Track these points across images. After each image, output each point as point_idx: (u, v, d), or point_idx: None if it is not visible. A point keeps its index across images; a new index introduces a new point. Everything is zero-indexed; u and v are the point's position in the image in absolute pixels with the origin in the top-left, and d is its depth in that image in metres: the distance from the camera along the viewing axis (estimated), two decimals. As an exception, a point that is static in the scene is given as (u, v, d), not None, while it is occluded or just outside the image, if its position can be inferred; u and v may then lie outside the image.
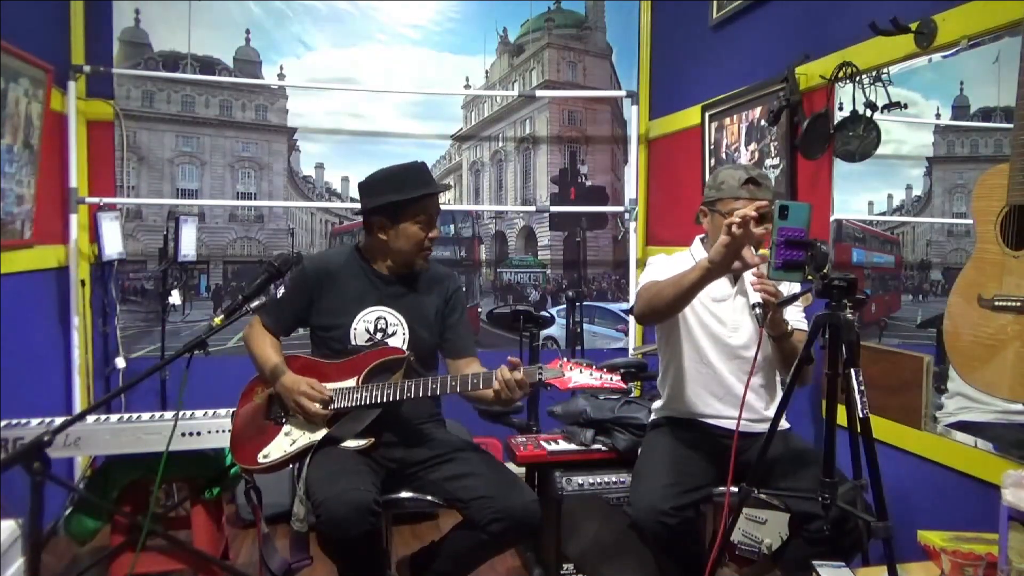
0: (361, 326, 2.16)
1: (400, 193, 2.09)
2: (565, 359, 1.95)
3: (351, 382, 2.09)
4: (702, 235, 2.33)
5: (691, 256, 2.31)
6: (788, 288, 2.04)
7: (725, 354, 2.23)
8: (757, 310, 1.97)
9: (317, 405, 2.04)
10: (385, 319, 2.17)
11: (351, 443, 2.06)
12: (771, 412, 2.24)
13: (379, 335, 2.17)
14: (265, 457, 2.08)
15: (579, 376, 1.92)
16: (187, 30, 3.57)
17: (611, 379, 1.92)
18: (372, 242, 2.19)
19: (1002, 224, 1.66)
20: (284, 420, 2.13)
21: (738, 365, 2.22)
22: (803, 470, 2.01)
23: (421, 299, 2.22)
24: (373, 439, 2.07)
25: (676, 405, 2.30)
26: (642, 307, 2.08)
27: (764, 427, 2.17)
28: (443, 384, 2.02)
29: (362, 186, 2.18)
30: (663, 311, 2.02)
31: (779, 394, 2.30)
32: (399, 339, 2.18)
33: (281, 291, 2.00)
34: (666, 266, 2.27)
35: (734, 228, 1.71)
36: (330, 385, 2.10)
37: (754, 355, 1.91)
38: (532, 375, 1.93)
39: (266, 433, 2.12)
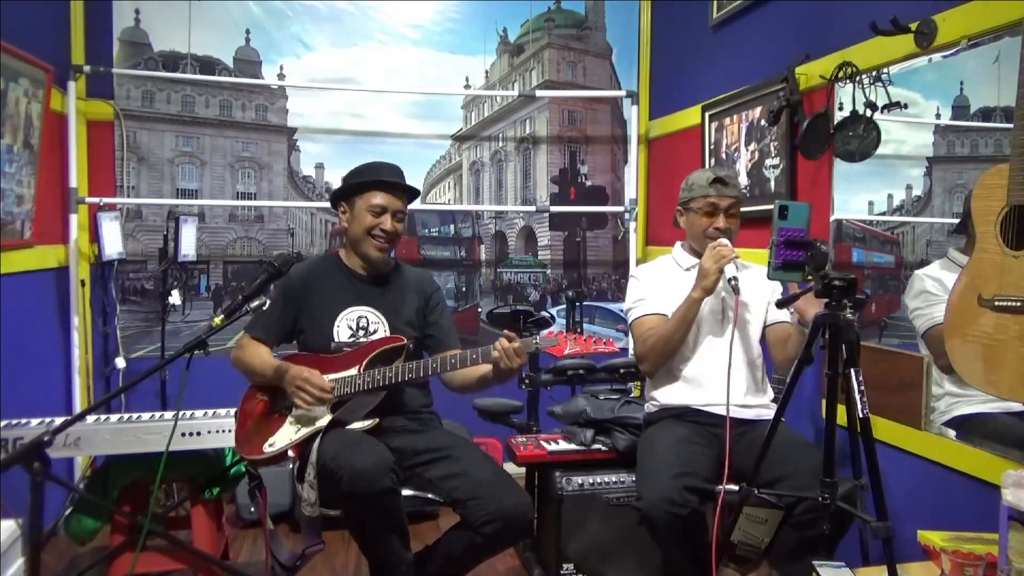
0: (344, 323, 2.22)
1: (357, 178, 2.23)
2: (560, 330, 2.02)
3: (352, 371, 2.13)
4: (682, 241, 2.49)
5: (674, 261, 2.46)
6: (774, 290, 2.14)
7: (711, 339, 2.31)
8: (733, 282, 2.09)
9: (319, 391, 2.06)
10: (366, 317, 2.23)
11: (357, 424, 2.09)
12: (757, 398, 2.30)
13: (361, 332, 2.22)
14: (271, 446, 2.09)
15: (573, 343, 1.98)
16: (187, 30, 3.57)
17: (604, 343, 2.00)
18: (344, 234, 2.30)
19: (1002, 224, 1.66)
20: (289, 411, 2.15)
21: (727, 351, 2.26)
22: (794, 458, 2.03)
23: (400, 298, 2.29)
24: (377, 419, 2.10)
25: (670, 397, 2.34)
26: (654, 363, 2.31)
27: (753, 413, 2.25)
28: (443, 363, 2.06)
29: (346, 175, 2.31)
30: (674, 351, 2.28)
31: (765, 379, 2.37)
32: (380, 336, 2.22)
33: (267, 305, 2.03)
34: (652, 284, 2.40)
35: (721, 262, 2.11)
36: (332, 375, 2.12)
37: (731, 331, 2.11)
38: (529, 345, 1.98)
39: (271, 425, 2.15)
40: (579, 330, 3.53)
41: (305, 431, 2.09)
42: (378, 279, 2.29)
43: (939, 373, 2.06)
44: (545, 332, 2.05)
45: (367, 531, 2.01)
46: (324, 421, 2.09)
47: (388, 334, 2.22)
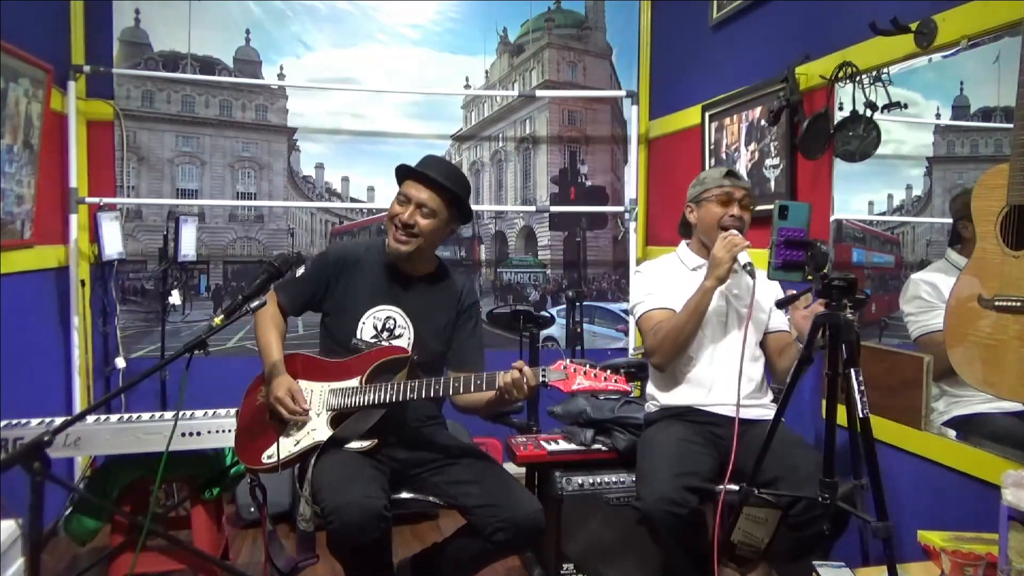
0: (370, 321, 2.17)
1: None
2: (568, 360, 1.94)
3: (354, 382, 2.09)
4: (687, 241, 2.48)
5: (679, 260, 2.45)
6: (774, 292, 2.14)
7: (715, 339, 2.31)
8: (748, 267, 2.09)
9: (290, 414, 2.04)
10: (394, 319, 2.17)
11: (355, 444, 2.05)
12: (757, 399, 2.30)
13: (385, 334, 2.17)
14: (269, 458, 2.07)
15: (583, 378, 1.91)
16: (187, 30, 3.57)
17: (615, 380, 1.91)
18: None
19: (1002, 224, 1.66)
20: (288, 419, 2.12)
21: (729, 350, 2.28)
22: (793, 459, 2.03)
23: (434, 306, 2.21)
24: (376, 440, 2.07)
25: (671, 397, 2.34)
26: (667, 355, 2.26)
27: (754, 413, 2.25)
28: (446, 385, 2.01)
29: None
30: (687, 343, 2.26)
31: (766, 379, 2.37)
32: (404, 341, 2.17)
33: (301, 271, 2.01)
34: (658, 280, 2.39)
35: (735, 249, 2.10)
36: (333, 384, 2.10)
37: (747, 320, 2.08)
38: (536, 377, 1.93)
39: (270, 433, 2.11)
40: (579, 330, 3.53)
41: (304, 445, 2.06)
42: (416, 279, 2.21)
43: (956, 371, 2.01)
44: (553, 362, 1.96)
45: (353, 562, 2.01)
46: (323, 436, 2.05)
47: (412, 341, 2.16)
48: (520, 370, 1.91)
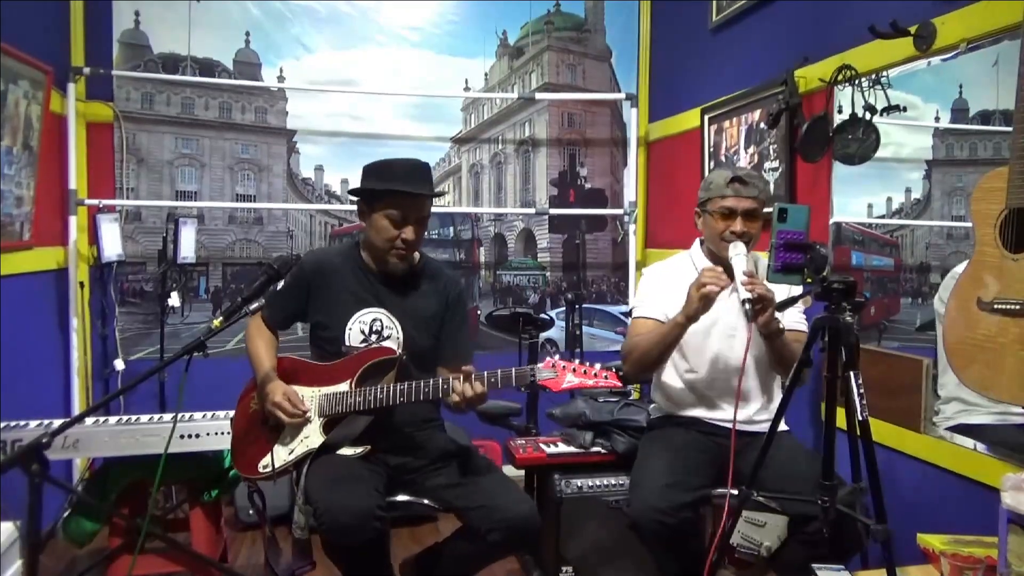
0: (356, 327, 2.14)
1: (377, 182, 2.07)
2: (558, 357, 1.92)
3: (344, 386, 2.07)
4: (701, 238, 2.36)
5: (690, 259, 2.35)
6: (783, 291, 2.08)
7: (721, 354, 2.25)
8: (747, 306, 1.94)
9: (287, 418, 2.02)
10: (381, 321, 2.15)
11: (348, 451, 2.04)
12: (767, 414, 2.25)
13: (374, 337, 2.15)
14: (265, 468, 2.07)
15: (572, 376, 1.88)
16: (187, 32, 3.57)
17: (605, 376, 1.88)
18: (364, 231, 2.18)
19: (1001, 227, 1.66)
20: (281, 427, 2.10)
21: (735, 365, 2.23)
22: (799, 472, 2.01)
23: (419, 301, 2.20)
24: (370, 446, 2.05)
25: (673, 406, 2.31)
26: (633, 370, 2.26)
27: (761, 428, 2.19)
28: (435, 387, 1.98)
29: (364, 168, 2.15)
30: (653, 367, 2.25)
31: (777, 396, 2.31)
32: (393, 342, 2.15)
33: (279, 286, 2.00)
34: (662, 283, 2.31)
35: (703, 291, 1.97)
36: (323, 389, 2.08)
37: (744, 351, 1.95)
38: (525, 376, 1.92)
39: (264, 441, 2.09)
40: (578, 332, 3.52)
41: (298, 453, 2.05)
42: (398, 277, 2.18)
43: (955, 374, 1.92)
44: (543, 363, 1.92)
45: (348, 564, 2.00)
46: (316, 443, 2.04)
47: (401, 340, 2.15)
48: (467, 378, 1.89)
